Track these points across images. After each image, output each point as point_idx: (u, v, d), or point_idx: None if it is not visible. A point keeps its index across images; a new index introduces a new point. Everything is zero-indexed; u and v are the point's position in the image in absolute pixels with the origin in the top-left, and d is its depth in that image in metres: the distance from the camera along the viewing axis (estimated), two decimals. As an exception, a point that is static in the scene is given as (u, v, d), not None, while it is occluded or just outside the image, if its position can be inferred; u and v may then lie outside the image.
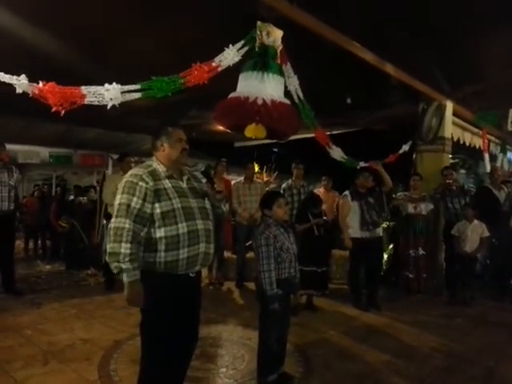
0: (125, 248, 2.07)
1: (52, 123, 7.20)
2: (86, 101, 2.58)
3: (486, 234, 5.28)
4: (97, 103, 2.61)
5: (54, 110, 2.49)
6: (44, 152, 9.77)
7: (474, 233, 5.27)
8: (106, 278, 5.58)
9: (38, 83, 2.47)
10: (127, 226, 2.09)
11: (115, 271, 2.12)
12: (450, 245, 5.61)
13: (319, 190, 6.44)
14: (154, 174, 2.23)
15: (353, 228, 4.99)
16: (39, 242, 8.30)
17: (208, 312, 4.37)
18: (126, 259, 2.07)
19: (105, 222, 5.69)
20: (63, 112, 2.50)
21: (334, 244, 6.13)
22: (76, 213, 7.79)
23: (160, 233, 2.16)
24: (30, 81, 2.46)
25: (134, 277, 2.10)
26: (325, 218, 4.78)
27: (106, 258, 2.15)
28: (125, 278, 2.09)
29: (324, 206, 6.18)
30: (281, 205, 2.97)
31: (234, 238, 6.29)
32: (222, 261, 6.03)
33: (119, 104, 2.73)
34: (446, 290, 5.67)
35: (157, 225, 2.16)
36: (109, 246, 2.11)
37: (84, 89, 2.58)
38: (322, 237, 4.74)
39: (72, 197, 8.34)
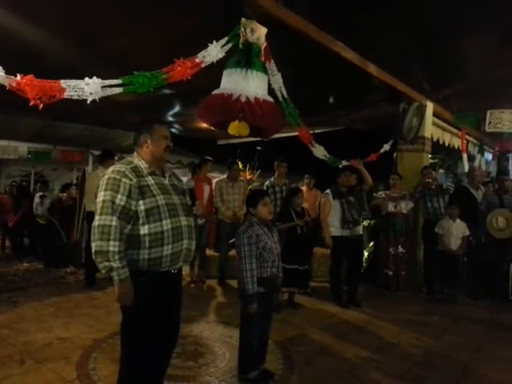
0: (113, 246, 2.03)
1: (31, 118, 7.04)
2: (66, 95, 2.52)
3: (467, 232, 5.41)
4: (76, 97, 2.56)
5: (32, 103, 2.43)
6: (23, 147, 9.54)
7: (457, 231, 5.39)
8: (86, 276, 5.50)
9: (15, 76, 2.41)
10: (114, 223, 2.05)
11: (104, 270, 2.07)
12: (430, 242, 5.72)
13: (301, 189, 6.48)
14: (136, 171, 2.20)
15: (334, 226, 5.03)
16: (16, 239, 8.11)
17: (189, 310, 4.35)
18: (116, 257, 2.03)
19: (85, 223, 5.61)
20: (42, 106, 2.44)
21: (315, 242, 6.18)
22: (55, 209, 7.66)
23: (144, 230, 2.13)
24: (7, 73, 2.40)
25: (125, 274, 2.07)
26: (307, 217, 4.79)
27: (93, 257, 2.08)
28: (115, 276, 2.05)
29: (306, 205, 6.21)
30: (266, 203, 2.96)
31: (217, 236, 6.27)
32: (203, 258, 6.00)
33: (100, 99, 2.68)
34: (424, 287, 5.79)
35: (140, 222, 2.13)
36: (95, 245, 2.06)
37: (63, 82, 2.52)
38: (305, 235, 4.76)
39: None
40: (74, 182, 9.64)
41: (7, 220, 7.76)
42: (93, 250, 2.07)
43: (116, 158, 5.75)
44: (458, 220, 5.42)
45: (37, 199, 7.92)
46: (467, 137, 8.16)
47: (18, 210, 7.73)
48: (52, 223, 7.22)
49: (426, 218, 5.86)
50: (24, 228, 8.05)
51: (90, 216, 5.31)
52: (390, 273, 5.73)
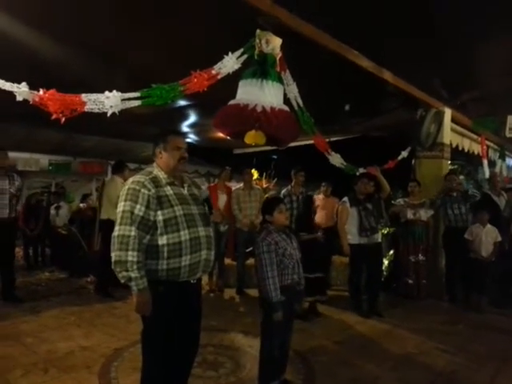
0: (132, 256, 2.06)
1: (52, 131, 7.21)
2: (87, 108, 2.59)
3: (499, 238, 5.29)
4: (97, 111, 2.62)
5: (54, 117, 2.50)
6: (44, 160, 9.75)
7: (488, 237, 5.28)
8: (97, 285, 5.67)
9: (38, 91, 2.48)
10: (133, 233, 2.08)
11: (123, 280, 2.10)
12: (452, 250, 5.61)
13: (318, 197, 6.45)
14: (155, 181, 2.23)
15: (351, 234, 4.99)
16: (39, 249, 8.26)
17: (209, 319, 4.35)
18: (135, 267, 2.06)
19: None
20: (63, 119, 2.51)
21: (334, 250, 6.14)
22: (75, 219, 7.80)
23: (162, 240, 2.15)
24: (30, 89, 2.48)
25: (143, 284, 2.09)
26: (319, 233, 4.80)
27: (112, 267, 2.11)
28: (134, 286, 2.08)
29: (323, 213, 6.21)
30: (282, 210, 2.97)
31: (235, 245, 6.29)
32: (222, 268, 6.02)
33: (120, 111, 2.74)
34: (446, 295, 5.66)
35: (159, 232, 2.16)
36: (114, 255, 2.09)
37: (84, 96, 2.58)
38: (323, 243, 4.76)
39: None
40: (95, 191, 9.81)
41: (25, 230, 7.90)
42: (112, 260, 2.10)
43: (126, 170, 5.89)
44: (489, 225, 5.31)
45: (52, 210, 8.08)
46: (487, 142, 8.01)
47: (38, 220, 7.87)
48: (73, 233, 7.35)
49: (447, 226, 5.75)
50: (46, 238, 8.20)
51: (104, 224, 5.47)
52: (411, 281, 5.64)
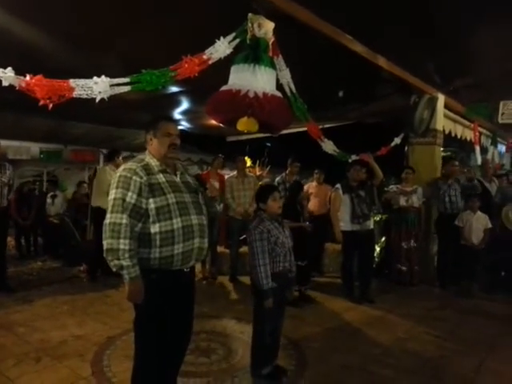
0: (123, 244, 2.03)
1: (42, 118, 7.10)
2: (75, 94, 2.53)
3: (490, 225, 5.32)
4: (85, 96, 2.57)
5: (41, 103, 2.45)
6: (34, 148, 9.62)
7: (478, 224, 5.31)
8: (88, 270, 5.75)
9: (25, 76, 2.42)
10: (124, 221, 2.05)
11: (115, 269, 2.08)
12: (445, 236, 5.65)
13: (311, 184, 6.45)
14: (147, 169, 2.20)
15: (344, 221, 5.00)
16: (31, 239, 8.20)
17: (201, 306, 4.36)
18: (126, 255, 2.03)
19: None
20: (51, 106, 2.46)
21: (326, 237, 6.16)
22: (71, 208, 7.74)
23: (154, 228, 2.12)
24: (17, 74, 2.42)
25: (135, 273, 2.07)
26: (307, 222, 4.80)
27: (104, 255, 2.09)
28: (126, 275, 2.06)
29: (316, 200, 6.22)
30: (275, 198, 2.95)
31: (227, 233, 6.29)
32: (215, 255, 6.02)
33: (110, 98, 2.69)
34: (437, 280, 5.73)
35: (151, 220, 2.13)
36: (106, 243, 2.06)
37: (72, 82, 2.53)
38: (310, 232, 4.79)
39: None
40: (87, 180, 9.72)
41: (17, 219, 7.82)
42: (104, 248, 2.08)
43: (120, 156, 5.94)
44: (479, 212, 5.34)
45: (48, 199, 8.01)
46: (480, 129, 8.02)
47: (30, 209, 7.79)
48: (65, 222, 7.30)
49: (442, 212, 5.77)
50: (38, 227, 8.14)
51: (95, 212, 5.53)
52: (403, 267, 5.69)
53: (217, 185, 5.94)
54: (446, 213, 5.69)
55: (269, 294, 2.82)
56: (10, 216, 7.45)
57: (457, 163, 5.97)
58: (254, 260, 2.85)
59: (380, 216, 6.29)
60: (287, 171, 5.80)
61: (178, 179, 2.31)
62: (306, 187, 6.08)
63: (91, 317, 4.26)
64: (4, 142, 7.26)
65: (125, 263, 2.04)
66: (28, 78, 2.43)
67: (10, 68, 2.38)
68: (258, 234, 2.86)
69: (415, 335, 3.96)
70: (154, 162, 2.26)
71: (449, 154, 8.35)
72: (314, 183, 6.42)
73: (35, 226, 7.98)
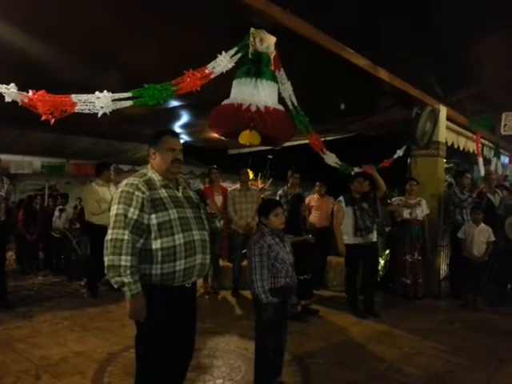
0: (125, 261, 2.00)
1: (44, 132, 7.12)
2: (77, 109, 2.54)
3: (493, 238, 5.28)
4: (87, 111, 2.57)
5: (43, 118, 2.45)
6: (36, 162, 9.65)
7: (480, 236, 5.27)
8: (89, 287, 5.66)
9: (27, 92, 2.43)
10: (126, 237, 2.02)
11: (116, 286, 2.04)
12: (457, 248, 5.62)
13: (313, 197, 6.41)
14: (149, 183, 2.18)
15: (347, 234, 4.96)
16: (31, 253, 8.16)
17: (204, 322, 4.31)
18: (128, 272, 2.00)
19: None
20: (53, 121, 2.46)
21: (329, 251, 6.11)
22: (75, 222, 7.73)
23: (156, 244, 2.10)
24: (19, 90, 2.42)
25: (136, 290, 2.03)
26: (310, 235, 4.78)
27: (105, 272, 2.06)
28: (127, 291, 2.02)
29: (318, 213, 6.18)
30: (278, 214, 2.92)
31: (229, 247, 6.24)
32: (217, 270, 5.97)
33: (112, 112, 2.69)
34: (458, 294, 5.66)
35: (153, 236, 2.10)
36: (107, 259, 2.03)
37: (74, 97, 2.54)
38: (313, 245, 4.76)
39: None
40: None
41: (22, 234, 7.80)
42: (105, 265, 2.05)
43: (112, 168, 5.97)
44: (482, 225, 5.31)
45: (56, 212, 8.00)
46: (482, 140, 8.02)
47: (34, 224, 7.77)
48: (66, 237, 7.27)
49: (455, 224, 5.79)
50: (39, 242, 8.11)
51: (87, 226, 5.63)
52: (408, 281, 5.63)
53: (221, 199, 5.90)
54: (459, 224, 5.68)
55: (267, 307, 2.79)
56: (12, 231, 7.47)
57: (469, 176, 6.06)
58: (251, 275, 2.83)
59: (389, 229, 6.24)
60: (289, 184, 5.78)
61: (180, 194, 2.29)
62: (307, 200, 6.05)
63: (92, 332, 4.20)
64: (6, 157, 7.30)
65: (126, 280, 2.00)
66: (31, 93, 2.44)
67: (12, 84, 2.39)
68: (257, 249, 2.83)
69: (422, 350, 3.89)
70: (156, 177, 2.24)
71: (451, 165, 8.33)
72: (316, 196, 6.39)
73: (37, 241, 7.97)
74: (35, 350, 3.70)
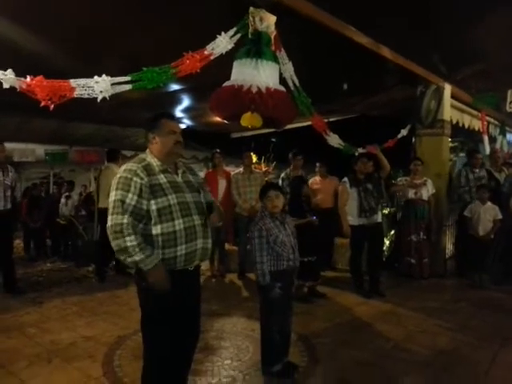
0: (130, 241, 2.02)
1: (46, 119, 7.09)
2: (76, 94, 2.52)
3: (500, 216, 5.25)
4: (87, 96, 2.55)
5: (42, 104, 2.43)
6: (39, 150, 9.62)
7: (486, 214, 5.24)
8: (96, 272, 5.76)
9: (25, 77, 2.40)
10: (125, 220, 2.04)
11: (131, 265, 2.10)
12: (463, 227, 5.61)
13: (315, 179, 6.35)
14: (148, 169, 2.17)
15: (351, 215, 4.95)
16: (39, 240, 8.23)
17: (211, 304, 4.36)
18: (137, 250, 2.03)
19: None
20: (52, 106, 2.44)
21: (334, 232, 6.10)
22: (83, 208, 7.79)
23: (156, 230, 2.10)
24: (17, 76, 2.40)
25: (151, 263, 2.05)
26: (314, 217, 4.73)
27: (117, 256, 2.10)
28: (143, 267, 2.05)
29: (321, 194, 6.12)
30: (270, 198, 2.93)
31: (235, 230, 6.26)
32: (223, 253, 6.00)
33: (113, 97, 2.67)
34: (464, 273, 5.67)
35: (153, 222, 2.11)
36: (114, 245, 2.06)
37: (73, 82, 2.51)
38: (317, 227, 4.73)
39: None
40: (93, 180, 9.73)
41: (28, 222, 7.86)
42: (115, 250, 2.07)
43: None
44: (489, 203, 5.27)
45: (63, 199, 8.04)
46: (488, 118, 7.90)
47: (40, 211, 7.82)
48: (73, 223, 7.32)
49: (465, 202, 5.75)
50: (46, 229, 8.18)
51: (102, 213, 5.45)
52: (413, 260, 5.64)
53: (224, 183, 5.90)
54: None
55: (269, 287, 2.84)
56: (18, 219, 7.52)
57: (480, 156, 6.02)
58: (253, 257, 2.89)
59: (389, 209, 6.22)
60: (291, 166, 5.75)
61: (179, 179, 2.27)
62: (309, 182, 5.99)
63: (101, 317, 4.26)
64: (10, 145, 7.28)
65: (137, 258, 2.03)
66: (28, 79, 2.42)
67: (10, 70, 2.36)
68: (257, 232, 2.88)
69: (427, 328, 3.92)
70: (155, 162, 2.22)
71: (456, 144, 8.25)
72: (318, 177, 6.31)
73: (44, 228, 8.03)
74: (46, 335, 3.76)
